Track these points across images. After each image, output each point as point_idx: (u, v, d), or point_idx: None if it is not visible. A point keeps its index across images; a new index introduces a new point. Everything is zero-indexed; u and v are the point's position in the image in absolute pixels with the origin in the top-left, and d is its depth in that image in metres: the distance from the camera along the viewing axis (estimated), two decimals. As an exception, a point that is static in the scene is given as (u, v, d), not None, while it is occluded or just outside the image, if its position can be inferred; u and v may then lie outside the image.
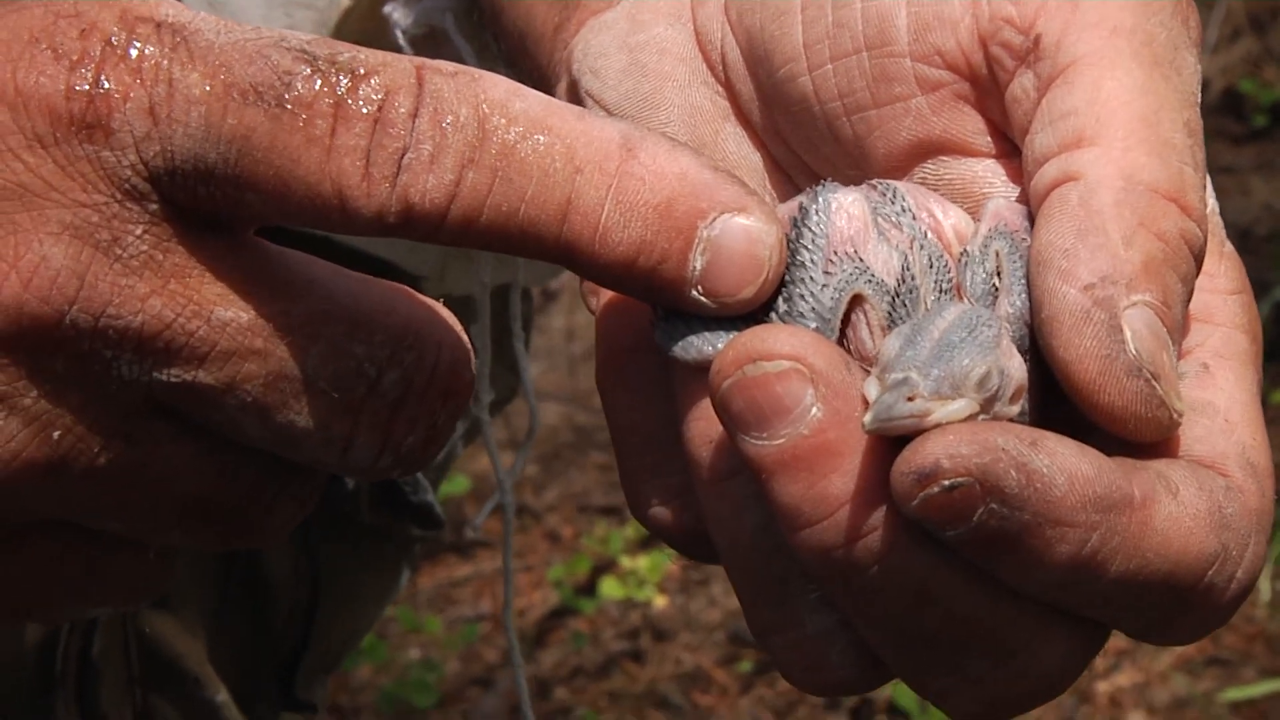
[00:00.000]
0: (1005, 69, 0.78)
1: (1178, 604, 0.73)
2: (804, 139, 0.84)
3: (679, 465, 0.79)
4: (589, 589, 3.56)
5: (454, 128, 0.70)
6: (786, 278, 0.75)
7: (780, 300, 0.75)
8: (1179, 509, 0.72)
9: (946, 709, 0.77)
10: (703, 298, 0.74)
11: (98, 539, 0.77)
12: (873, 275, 0.75)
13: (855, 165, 0.82)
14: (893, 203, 0.77)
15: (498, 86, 0.72)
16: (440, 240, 0.72)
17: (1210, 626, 0.76)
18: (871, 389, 0.70)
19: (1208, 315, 0.79)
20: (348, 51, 0.71)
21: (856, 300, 0.75)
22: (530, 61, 0.94)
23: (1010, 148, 0.80)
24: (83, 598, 0.79)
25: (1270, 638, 3.21)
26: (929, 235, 0.77)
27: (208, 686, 1.34)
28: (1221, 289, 0.79)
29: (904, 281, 0.75)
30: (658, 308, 0.76)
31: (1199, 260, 0.76)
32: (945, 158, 0.81)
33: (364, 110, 0.70)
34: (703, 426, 0.77)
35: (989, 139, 0.81)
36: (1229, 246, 0.80)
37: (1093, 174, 0.74)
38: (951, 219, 0.78)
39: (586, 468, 3.83)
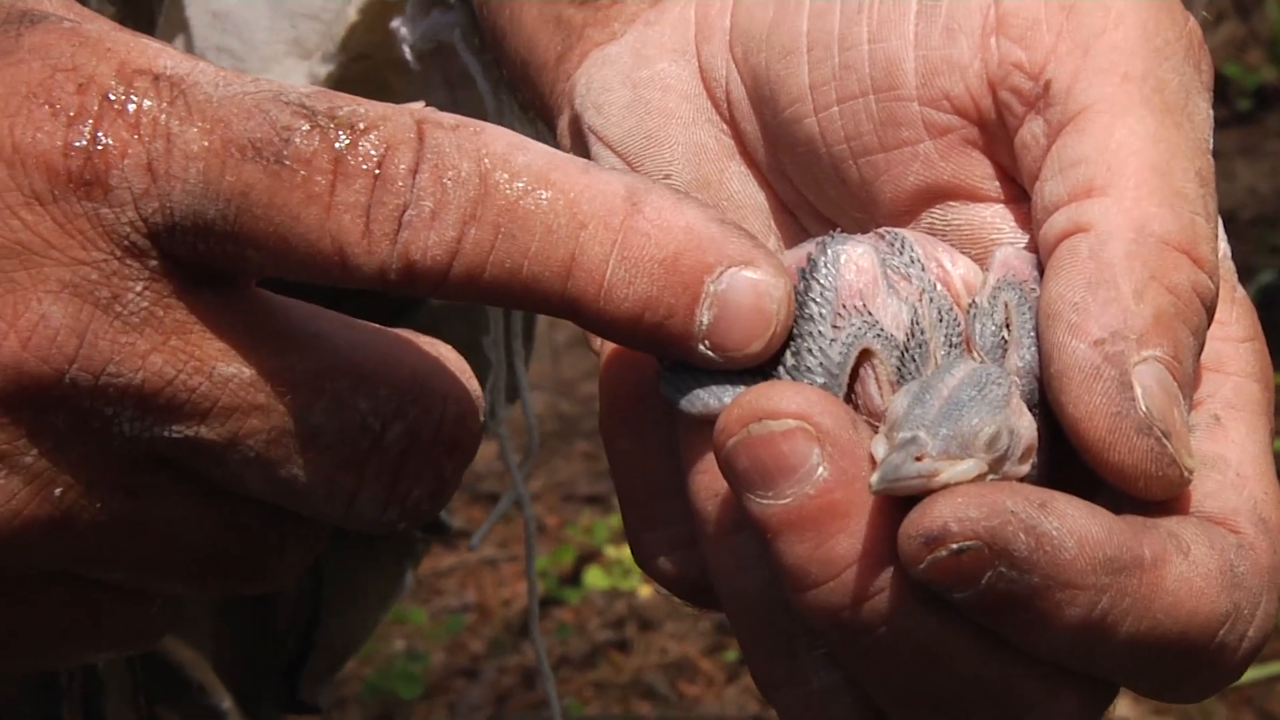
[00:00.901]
0: (1014, 114, 0.78)
1: (1189, 663, 0.73)
2: (809, 180, 0.84)
3: (683, 515, 0.79)
4: (574, 579, 3.56)
5: (455, 184, 0.70)
6: (794, 331, 0.75)
7: (788, 354, 0.75)
8: (1190, 569, 0.71)
9: None
10: (710, 352, 0.73)
11: (103, 588, 0.77)
12: (882, 330, 0.75)
13: (861, 208, 0.82)
14: (901, 253, 0.77)
15: (500, 140, 0.71)
16: (443, 296, 0.71)
17: (1221, 684, 0.75)
18: (879, 448, 0.70)
19: (1219, 364, 0.78)
20: (347, 105, 0.70)
21: (865, 355, 0.75)
22: (532, 90, 0.94)
23: (1018, 192, 0.80)
24: (86, 645, 0.79)
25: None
26: (938, 287, 0.76)
27: (212, 694, 1.34)
28: (1233, 336, 0.79)
29: (913, 336, 0.75)
30: (663, 360, 0.76)
31: (1210, 312, 0.75)
32: (953, 203, 0.80)
33: (363, 166, 0.69)
34: (707, 480, 0.76)
35: (997, 184, 0.80)
36: (1241, 291, 0.80)
37: (1103, 225, 0.74)
38: (960, 269, 0.78)
39: (571, 457, 3.83)
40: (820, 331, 0.74)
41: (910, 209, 0.81)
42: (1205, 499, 0.75)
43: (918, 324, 0.75)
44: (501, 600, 3.53)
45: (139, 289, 0.70)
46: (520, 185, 0.71)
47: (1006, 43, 0.78)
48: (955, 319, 0.76)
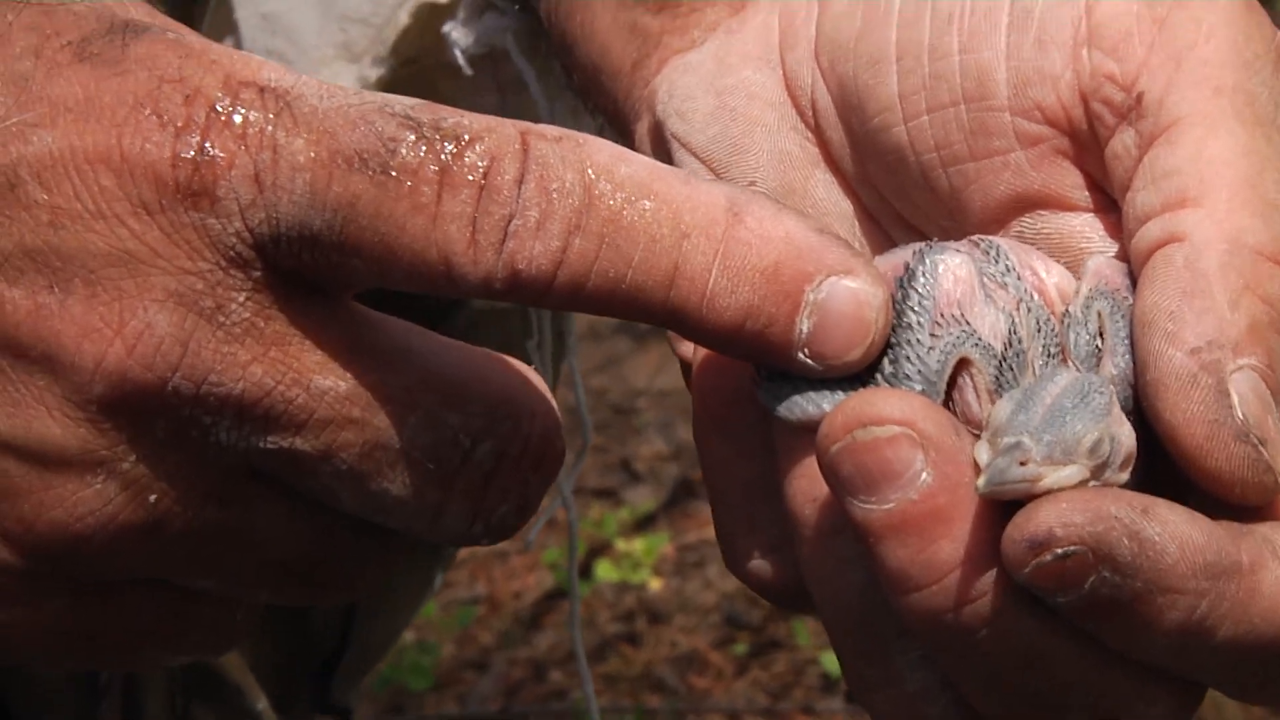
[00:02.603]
0: (1106, 125, 0.79)
1: None
2: (897, 188, 0.84)
3: (777, 518, 0.79)
4: (584, 571, 3.56)
5: (560, 194, 0.70)
6: (892, 339, 0.75)
7: (886, 362, 0.75)
8: None
9: None
10: (809, 360, 0.74)
11: (188, 593, 0.78)
12: (979, 339, 0.75)
13: (950, 217, 0.83)
14: (996, 262, 0.78)
15: (602, 151, 0.72)
16: (547, 305, 0.72)
17: None
18: (983, 453, 0.71)
19: None
20: (451, 117, 0.71)
21: (963, 364, 0.75)
22: (605, 97, 0.94)
23: (1107, 202, 0.80)
24: (167, 647, 0.80)
25: None
26: (1034, 296, 0.77)
27: (248, 695, 1.34)
28: None
29: (1010, 345, 0.76)
30: (760, 367, 0.76)
31: None
32: (1043, 212, 0.81)
33: (469, 177, 0.70)
34: (805, 484, 0.77)
35: (1087, 194, 0.81)
36: None
37: (1197, 235, 0.75)
38: (1054, 278, 0.78)
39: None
40: (918, 340, 0.75)
41: (1000, 218, 0.82)
42: None
43: (1015, 333, 0.76)
44: (512, 592, 3.53)
45: (242, 299, 0.71)
46: (623, 196, 0.71)
47: (1099, 54, 0.79)
48: (1052, 329, 0.77)
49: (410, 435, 0.73)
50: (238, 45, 1.15)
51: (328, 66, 1.13)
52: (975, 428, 0.74)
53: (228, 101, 0.70)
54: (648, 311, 0.72)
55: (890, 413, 0.71)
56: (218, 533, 0.74)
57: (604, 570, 3.55)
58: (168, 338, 0.70)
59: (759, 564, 0.81)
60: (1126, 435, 0.73)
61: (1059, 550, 0.68)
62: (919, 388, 0.74)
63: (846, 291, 0.73)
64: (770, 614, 3.41)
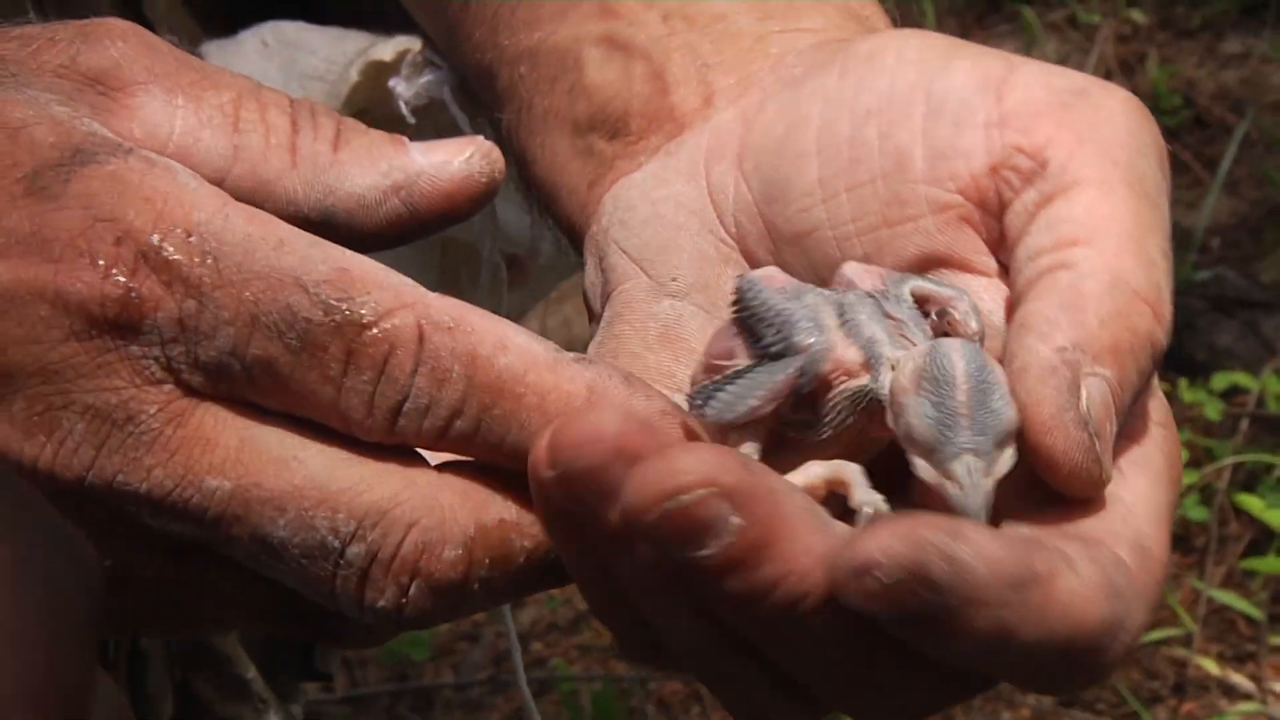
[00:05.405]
0: (1012, 188, 0.77)
1: (1072, 663, 0.70)
2: (809, 267, 0.82)
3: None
4: (561, 557, 3.55)
5: (447, 385, 0.70)
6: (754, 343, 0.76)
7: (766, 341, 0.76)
8: (1078, 582, 0.68)
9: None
10: None
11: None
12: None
13: None
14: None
15: (485, 343, 0.71)
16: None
17: (1095, 680, 0.73)
18: (926, 474, 0.70)
19: (1137, 437, 0.77)
20: (359, 296, 0.70)
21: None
22: (562, 210, 0.94)
23: (1006, 269, 0.79)
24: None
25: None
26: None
27: (239, 664, 1.32)
28: (1151, 418, 0.77)
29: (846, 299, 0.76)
30: (694, 393, 0.75)
31: (1156, 365, 0.75)
32: (945, 271, 0.80)
33: (370, 361, 0.70)
34: None
35: (988, 259, 0.79)
36: (1160, 392, 0.79)
37: (1084, 266, 0.74)
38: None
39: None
40: (773, 319, 0.75)
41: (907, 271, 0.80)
42: (1094, 523, 0.73)
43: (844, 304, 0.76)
44: (499, 575, 3.52)
45: (153, 411, 0.70)
46: (500, 386, 0.71)
47: (1011, 131, 0.78)
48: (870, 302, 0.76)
49: (284, 535, 0.71)
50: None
51: (290, 118, 1.11)
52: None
53: (156, 242, 0.69)
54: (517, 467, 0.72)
55: (690, 477, 0.65)
56: (179, 584, 0.74)
57: (578, 555, 3.54)
58: (84, 444, 0.70)
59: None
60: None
61: (882, 576, 0.64)
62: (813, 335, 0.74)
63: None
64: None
